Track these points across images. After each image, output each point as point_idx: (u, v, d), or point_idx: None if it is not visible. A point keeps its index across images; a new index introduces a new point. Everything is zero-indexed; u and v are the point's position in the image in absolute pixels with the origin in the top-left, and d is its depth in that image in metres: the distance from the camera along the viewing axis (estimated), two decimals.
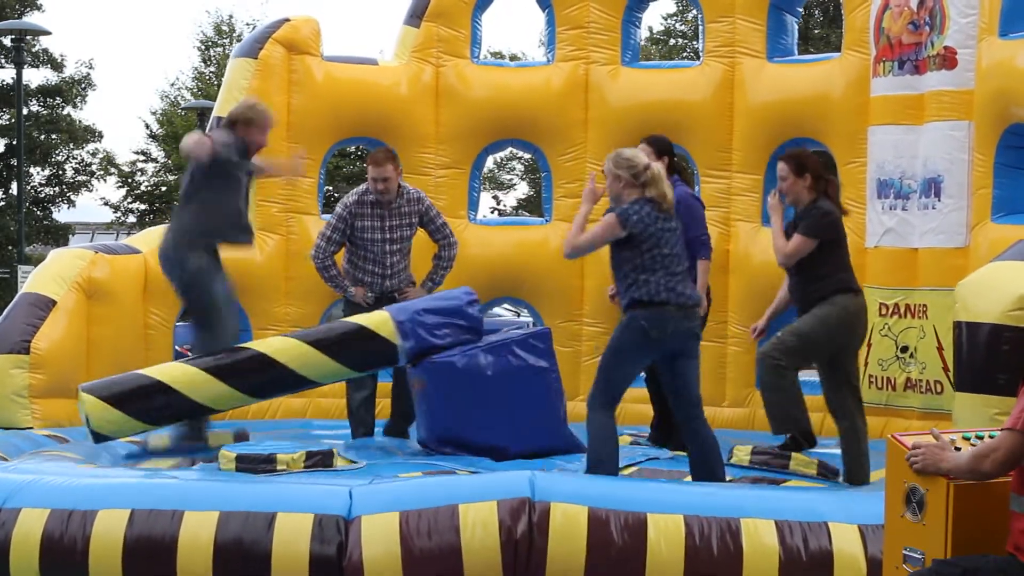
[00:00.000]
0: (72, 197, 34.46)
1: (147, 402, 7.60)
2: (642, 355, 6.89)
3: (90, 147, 34.59)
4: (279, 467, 7.08)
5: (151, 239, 9.92)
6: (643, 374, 8.19)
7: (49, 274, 9.22)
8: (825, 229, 7.08)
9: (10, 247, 29.30)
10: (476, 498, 5.59)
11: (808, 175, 7.15)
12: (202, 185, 7.74)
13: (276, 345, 7.85)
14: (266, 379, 7.76)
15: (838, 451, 7.37)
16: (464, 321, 7.98)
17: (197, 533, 5.62)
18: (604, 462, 6.75)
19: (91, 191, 36.54)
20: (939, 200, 8.33)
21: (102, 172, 34.99)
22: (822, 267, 7.10)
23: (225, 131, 7.85)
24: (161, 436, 8.04)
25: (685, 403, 6.95)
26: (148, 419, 7.65)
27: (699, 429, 6.97)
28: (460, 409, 7.88)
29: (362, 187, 8.77)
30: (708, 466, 6.91)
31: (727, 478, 7.03)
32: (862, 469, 7.12)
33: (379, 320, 7.84)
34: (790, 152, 7.47)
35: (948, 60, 8.27)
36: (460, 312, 7.99)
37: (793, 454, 7.33)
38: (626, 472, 7.24)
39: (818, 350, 7.12)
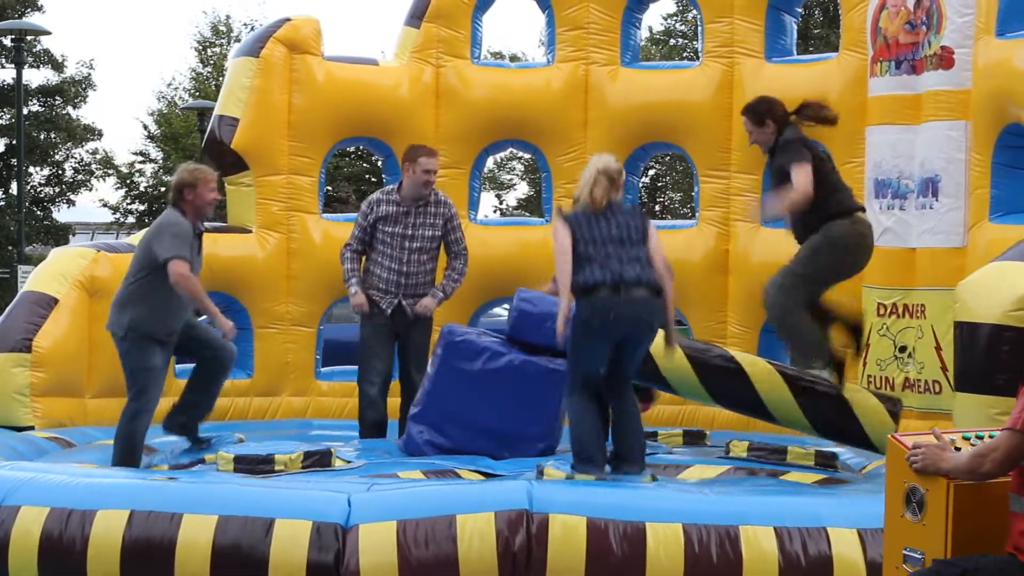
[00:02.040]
0: (72, 197, 34.44)
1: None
2: (594, 343, 6.71)
3: (90, 146, 34.58)
4: (277, 467, 7.07)
5: None
6: None
7: (51, 272, 9.23)
8: (799, 150, 7.07)
9: (10, 247, 29.27)
10: (474, 508, 5.58)
11: (769, 122, 7.26)
12: (153, 280, 7.57)
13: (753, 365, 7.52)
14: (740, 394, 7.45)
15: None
16: None
17: (195, 536, 5.62)
18: (586, 441, 6.71)
19: (90, 191, 36.53)
20: (937, 200, 8.34)
21: (101, 172, 34.96)
22: (815, 193, 7.07)
23: (174, 212, 7.61)
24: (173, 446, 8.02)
25: (615, 381, 6.84)
26: None
27: (624, 405, 6.87)
28: (470, 408, 7.98)
29: (388, 187, 8.78)
30: (626, 435, 6.85)
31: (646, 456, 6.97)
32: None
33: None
34: (748, 105, 7.52)
35: (945, 60, 8.28)
36: None
37: (789, 447, 7.32)
38: None
39: (823, 276, 7.12)
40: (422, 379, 8.36)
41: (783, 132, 7.26)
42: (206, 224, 8.05)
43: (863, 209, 7.38)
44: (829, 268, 7.17)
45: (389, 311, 8.59)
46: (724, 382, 7.44)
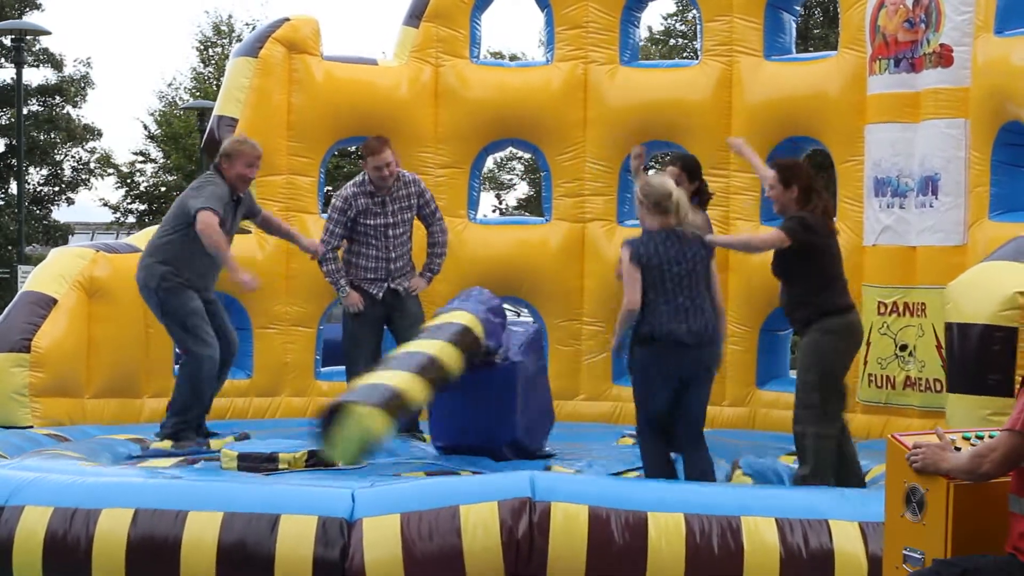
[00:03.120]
0: (71, 196, 34.46)
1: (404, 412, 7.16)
2: (656, 390, 6.87)
3: (89, 145, 34.58)
4: (281, 466, 7.09)
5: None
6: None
7: (50, 273, 9.23)
8: (798, 232, 6.90)
9: (10, 247, 29.27)
10: (477, 499, 5.60)
11: (795, 187, 7.00)
12: (186, 235, 7.79)
13: (431, 347, 7.43)
14: (439, 380, 7.40)
15: None
16: (502, 320, 8.05)
17: (201, 534, 5.64)
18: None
19: (89, 190, 36.56)
20: (936, 198, 8.34)
21: (100, 171, 34.96)
22: (804, 285, 6.98)
23: (214, 174, 7.86)
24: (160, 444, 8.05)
25: (685, 426, 6.93)
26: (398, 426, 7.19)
27: (693, 457, 6.94)
28: (523, 411, 7.98)
29: (358, 178, 8.80)
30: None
31: None
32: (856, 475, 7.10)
33: (468, 318, 7.71)
34: (782, 162, 7.34)
35: (944, 58, 8.28)
36: (501, 311, 8.05)
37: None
38: (630, 475, 7.25)
39: (836, 383, 6.98)
40: None
41: (803, 209, 7.05)
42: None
43: (853, 307, 7.20)
44: (840, 366, 7.04)
45: (380, 295, 8.65)
46: (437, 377, 7.34)
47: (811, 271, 6.95)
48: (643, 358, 6.86)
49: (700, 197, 8.37)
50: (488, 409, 7.93)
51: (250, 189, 8.32)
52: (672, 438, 6.93)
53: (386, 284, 8.70)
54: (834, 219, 7.27)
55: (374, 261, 8.71)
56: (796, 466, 7.16)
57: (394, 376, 7.04)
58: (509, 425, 7.94)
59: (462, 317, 7.73)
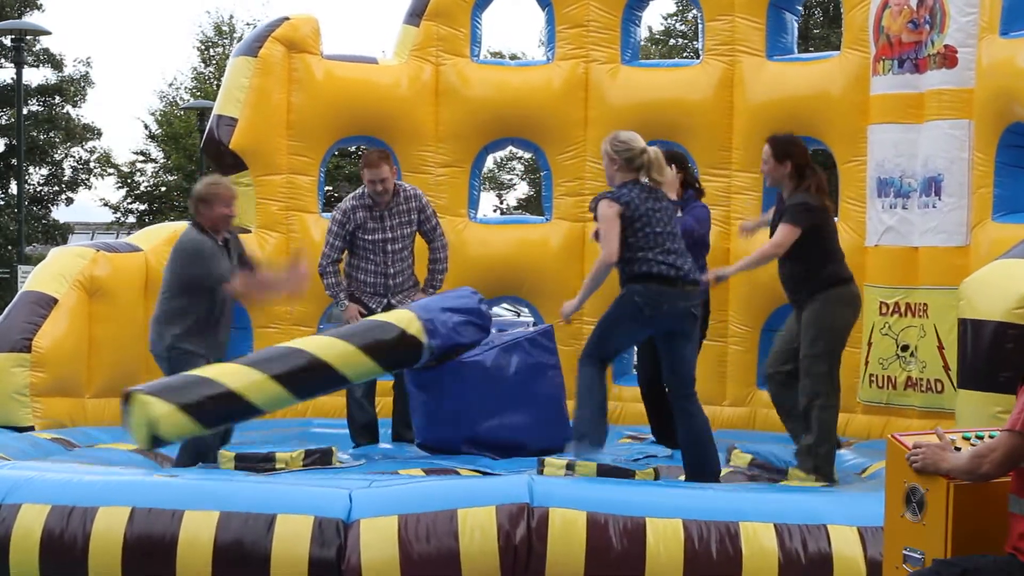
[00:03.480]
0: (71, 195, 34.48)
1: (214, 406, 6.96)
2: (636, 329, 6.98)
3: (89, 145, 34.59)
4: (278, 465, 7.08)
5: (152, 237, 9.93)
6: (636, 375, 8.24)
7: (50, 272, 9.22)
8: (804, 217, 7.08)
9: (10, 247, 29.28)
10: (475, 503, 5.59)
11: (789, 162, 7.20)
12: (189, 300, 7.56)
13: (322, 346, 7.42)
14: (317, 381, 7.36)
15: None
16: (480, 320, 8.00)
17: (197, 533, 5.62)
18: (588, 412, 6.91)
19: (89, 189, 36.57)
20: (939, 199, 8.32)
21: (100, 170, 34.98)
22: (807, 261, 7.15)
23: (191, 231, 7.59)
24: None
25: (678, 382, 7.00)
26: (209, 423, 7.03)
27: (690, 408, 7.01)
28: (487, 408, 7.96)
29: (358, 191, 8.73)
30: (698, 446, 6.96)
31: (720, 466, 7.05)
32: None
33: (406, 318, 7.71)
34: (776, 137, 7.47)
35: (948, 59, 8.27)
36: (477, 311, 7.99)
37: (790, 470, 7.31)
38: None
39: (838, 350, 7.16)
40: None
41: (797, 193, 7.19)
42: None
43: (852, 278, 7.37)
44: (842, 337, 7.20)
45: (379, 309, 8.58)
46: (310, 378, 7.26)
47: (812, 248, 7.12)
48: (637, 294, 6.84)
49: (693, 189, 8.39)
50: (440, 406, 8.03)
51: (239, 238, 8.03)
52: (663, 396, 7.08)
53: (385, 300, 8.61)
54: (826, 191, 7.33)
55: (373, 276, 8.63)
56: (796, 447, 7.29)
57: (237, 373, 7.00)
58: (466, 422, 7.96)
59: (399, 316, 7.71)
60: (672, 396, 7.09)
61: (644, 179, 6.98)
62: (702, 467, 6.94)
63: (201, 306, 7.45)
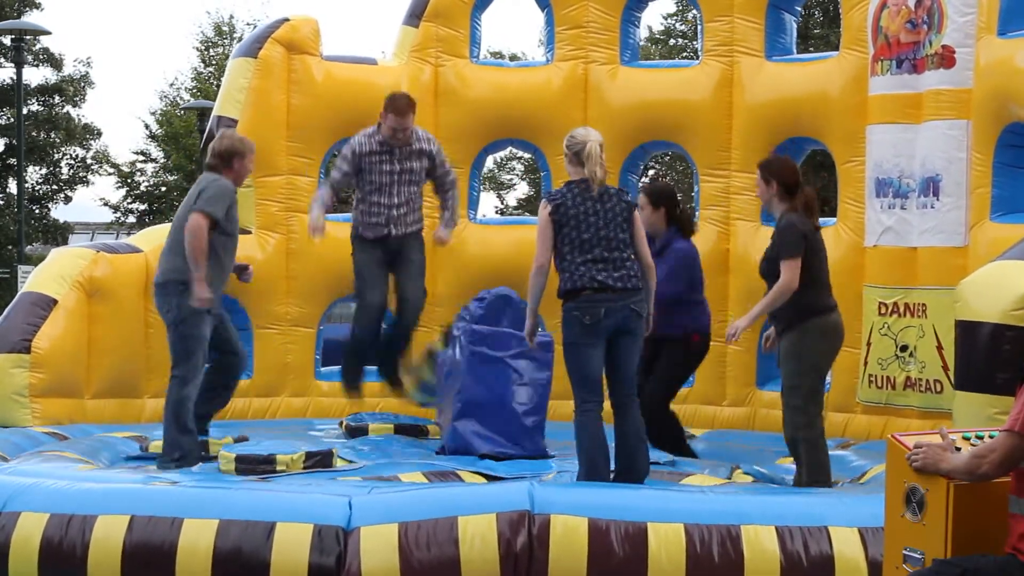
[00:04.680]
0: (68, 194, 34.43)
1: None
2: (589, 342, 6.70)
3: (88, 146, 34.55)
4: (278, 467, 7.07)
5: (152, 238, 9.93)
6: None
7: (50, 273, 9.23)
8: (797, 246, 6.97)
9: (10, 247, 29.26)
10: (475, 510, 5.58)
11: (774, 183, 7.15)
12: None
13: None
14: None
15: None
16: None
17: (196, 541, 5.62)
18: (593, 464, 6.74)
19: (87, 186, 36.49)
20: (938, 199, 8.32)
21: (98, 168, 34.93)
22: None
23: (218, 176, 7.77)
24: (159, 442, 8.01)
25: (618, 383, 6.83)
26: None
27: (629, 411, 6.84)
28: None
29: (369, 129, 8.75)
30: (628, 451, 6.83)
31: (649, 469, 6.94)
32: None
33: None
34: (763, 160, 7.48)
35: (946, 59, 8.27)
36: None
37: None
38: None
39: (819, 380, 7.10)
40: (421, 297, 8.71)
41: (784, 215, 7.14)
42: None
43: (836, 307, 7.24)
44: (822, 364, 7.15)
45: (377, 236, 8.67)
46: None
47: (803, 271, 7.00)
48: (569, 316, 6.69)
49: (679, 225, 8.34)
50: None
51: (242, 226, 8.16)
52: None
53: (386, 229, 8.66)
54: (816, 210, 7.29)
55: (377, 207, 8.67)
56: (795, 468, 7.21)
57: None
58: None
59: None
60: (612, 397, 6.87)
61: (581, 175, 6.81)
62: (597, 472, 6.75)
63: (212, 250, 7.58)
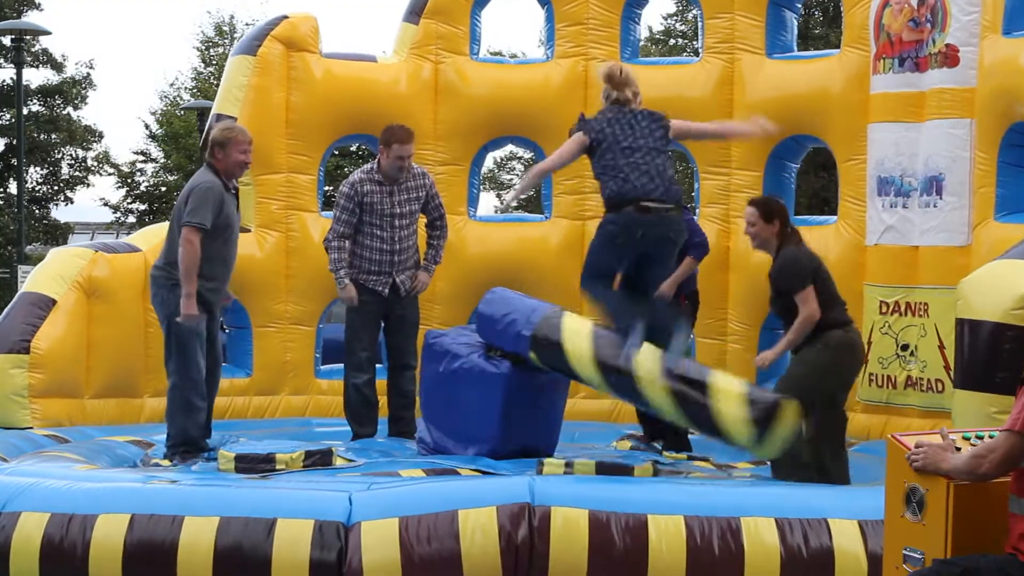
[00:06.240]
0: (70, 195, 34.44)
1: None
2: (615, 256, 7.04)
3: (89, 146, 34.55)
4: (278, 466, 7.06)
5: (151, 238, 9.92)
6: None
7: (49, 273, 9.21)
8: (803, 275, 7.10)
9: (9, 247, 29.26)
10: (476, 503, 5.60)
11: (776, 221, 7.30)
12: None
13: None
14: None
15: None
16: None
17: (197, 538, 5.62)
18: (618, 312, 6.99)
19: (87, 187, 36.51)
20: (940, 198, 8.31)
21: (98, 169, 34.94)
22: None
23: (205, 172, 7.77)
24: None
25: (643, 297, 7.08)
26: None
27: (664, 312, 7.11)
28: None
29: (366, 167, 8.75)
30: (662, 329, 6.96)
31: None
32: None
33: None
34: (758, 199, 7.62)
35: (950, 58, 8.26)
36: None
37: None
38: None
39: (814, 395, 7.06)
40: (414, 357, 8.61)
41: (782, 248, 7.26)
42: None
43: (852, 323, 7.33)
44: (824, 382, 7.13)
45: (386, 291, 8.59)
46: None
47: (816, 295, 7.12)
48: (609, 222, 6.98)
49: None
50: (472, 414, 8.02)
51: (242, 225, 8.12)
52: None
53: (391, 278, 8.61)
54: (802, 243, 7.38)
55: (379, 253, 8.60)
56: None
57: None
58: (490, 436, 7.94)
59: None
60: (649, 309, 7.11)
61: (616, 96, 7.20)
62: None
63: (209, 247, 7.59)
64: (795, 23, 10.23)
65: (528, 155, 25.02)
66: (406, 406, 8.71)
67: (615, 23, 10.29)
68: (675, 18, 31.63)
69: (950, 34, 8.26)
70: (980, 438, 4.40)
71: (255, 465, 7.04)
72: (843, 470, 7.15)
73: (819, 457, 7.03)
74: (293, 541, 5.56)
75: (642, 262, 7.07)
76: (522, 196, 7.19)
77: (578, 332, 7.29)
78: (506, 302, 7.85)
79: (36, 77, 33.84)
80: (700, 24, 10.38)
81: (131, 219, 35.69)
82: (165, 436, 7.88)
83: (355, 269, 8.63)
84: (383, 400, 8.84)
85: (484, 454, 7.62)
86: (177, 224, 7.73)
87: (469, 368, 7.76)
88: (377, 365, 8.96)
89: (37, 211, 33.47)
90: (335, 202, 8.81)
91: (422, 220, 8.92)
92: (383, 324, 8.76)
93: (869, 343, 8.67)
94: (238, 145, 7.77)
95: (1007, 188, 7.95)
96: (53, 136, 33.25)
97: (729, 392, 6.73)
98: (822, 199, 23.50)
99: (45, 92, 33.13)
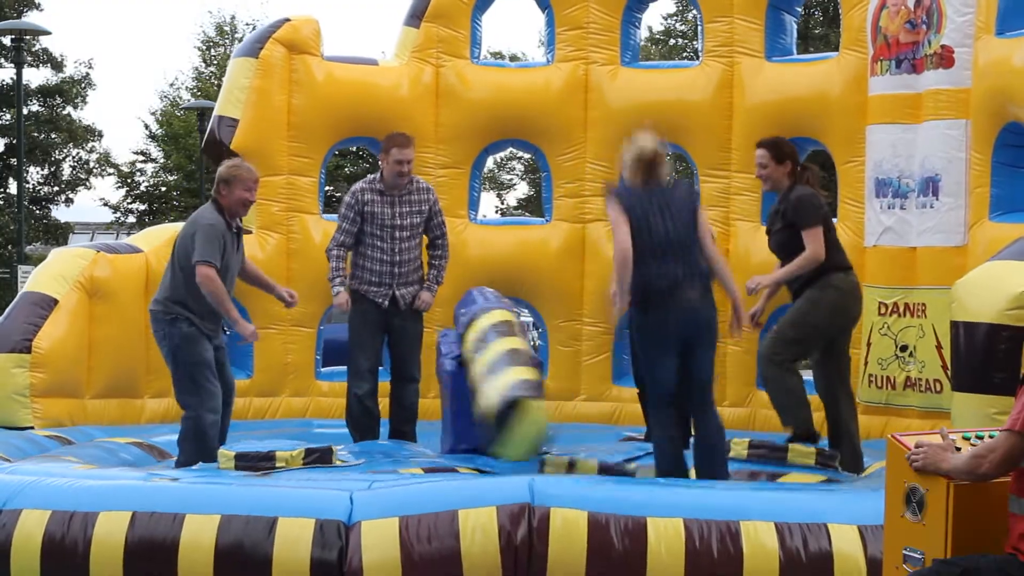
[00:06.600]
0: (70, 195, 34.44)
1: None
2: (660, 350, 6.73)
3: (89, 146, 34.56)
4: (278, 464, 7.07)
5: (152, 238, 9.94)
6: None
7: (51, 273, 9.22)
8: (816, 213, 7.22)
9: (10, 247, 29.26)
10: (476, 503, 5.61)
11: (788, 162, 7.37)
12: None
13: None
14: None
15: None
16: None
17: (198, 536, 5.64)
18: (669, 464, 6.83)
19: (88, 188, 36.51)
20: (937, 199, 8.33)
21: (99, 170, 34.95)
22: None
23: (208, 208, 7.77)
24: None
25: (694, 390, 6.83)
26: None
27: (706, 414, 6.88)
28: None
29: (369, 177, 8.74)
30: (710, 455, 6.88)
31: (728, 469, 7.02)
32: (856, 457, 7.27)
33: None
34: (769, 140, 7.61)
35: (945, 59, 8.28)
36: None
37: (791, 445, 7.35)
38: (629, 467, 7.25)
39: (816, 335, 7.18)
40: (418, 369, 8.64)
41: (795, 187, 7.35)
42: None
43: (851, 268, 7.52)
44: (827, 323, 7.27)
45: (385, 304, 8.57)
46: None
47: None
48: (642, 322, 6.76)
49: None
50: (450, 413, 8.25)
51: (244, 225, 8.10)
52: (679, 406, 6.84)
53: (391, 291, 8.57)
54: (819, 186, 7.49)
55: (379, 264, 8.56)
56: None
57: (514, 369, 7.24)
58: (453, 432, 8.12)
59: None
60: (689, 405, 6.88)
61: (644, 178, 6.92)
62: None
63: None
64: (794, 26, 10.26)
65: (527, 156, 25.01)
66: (407, 419, 8.68)
67: (615, 27, 10.30)
68: (675, 18, 31.66)
69: (945, 35, 8.28)
70: (980, 438, 4.40)
71: (255, 463, 7.04)
72: (852, 411, 7.34)
73: (833, 395, 7.24)
74: (294, 540, 5.57)
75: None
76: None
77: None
78: (465, 302, 8.33)
79: (36, 77, 33.89)
80: (699, 27, 10.40)
81: (131, 219, 35.69)
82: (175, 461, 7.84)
83: (356, 279, 8.61)
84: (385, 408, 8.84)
85: (444, 452, 7.80)
86: (179, 260, 7.68)
87: (439, 367, 8.24)
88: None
89: (37, 211, 33.46)
90: (339, 211, 8.80)
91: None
92: (387, 335, 8.74)
93: (868, 344, 8.69)
94: (243, 183, 7.73)
95: (1001, 188, 7.98)
96: (53, 136, 33.24)
97: (494, 387, 7.07)
98: None
99: (45, 92, 33.14)
